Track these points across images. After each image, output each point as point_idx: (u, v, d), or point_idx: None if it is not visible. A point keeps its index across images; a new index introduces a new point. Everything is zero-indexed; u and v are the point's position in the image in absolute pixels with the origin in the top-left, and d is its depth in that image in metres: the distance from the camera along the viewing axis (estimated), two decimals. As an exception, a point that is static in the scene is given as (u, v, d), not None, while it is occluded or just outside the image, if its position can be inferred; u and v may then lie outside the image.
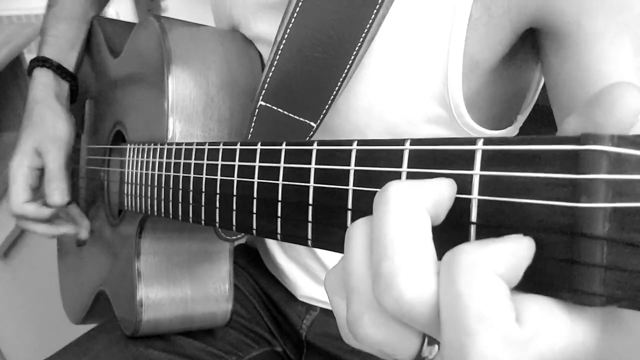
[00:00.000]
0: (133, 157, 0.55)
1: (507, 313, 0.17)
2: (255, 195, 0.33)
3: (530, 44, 0.47)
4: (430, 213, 0.20)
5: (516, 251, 0.18)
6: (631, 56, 0.40)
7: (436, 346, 0.21)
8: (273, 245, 0.69)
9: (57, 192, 0.63)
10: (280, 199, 0.31)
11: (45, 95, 0.67)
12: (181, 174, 0.44)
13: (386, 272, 0.19)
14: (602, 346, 0.18)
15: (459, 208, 0.21)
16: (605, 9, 0.39)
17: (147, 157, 0.51)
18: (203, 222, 0.40)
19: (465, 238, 0.21)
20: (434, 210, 0.20)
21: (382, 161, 0.25)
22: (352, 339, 0.22)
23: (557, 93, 0.44)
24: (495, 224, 0.20)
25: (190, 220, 0.42)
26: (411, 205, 0.19)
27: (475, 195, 0.21)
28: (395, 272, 0.19)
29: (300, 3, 0.46)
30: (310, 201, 0.29)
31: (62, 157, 0.65)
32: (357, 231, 0.21)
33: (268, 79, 0.48)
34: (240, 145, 0.36)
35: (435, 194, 0.20)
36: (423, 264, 0.19)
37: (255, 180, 0.33)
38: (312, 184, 0.29)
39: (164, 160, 0.47)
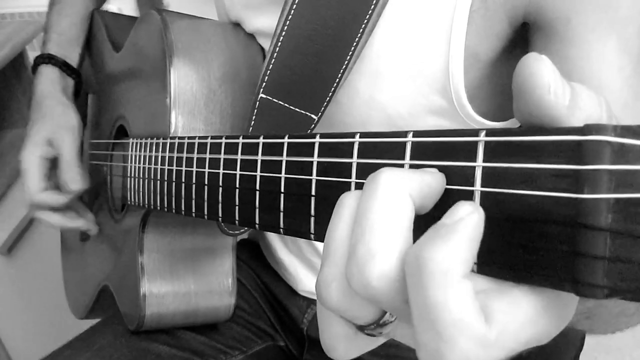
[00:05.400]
0: (136, 151, 0.55)
1: (478, 317, 0.18)
2: (258, 189, 0.33)
3: (526, 39, 0.47)
4: (417, 204, 0.21)
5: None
6: (615, 57, 0.40)
7: None
8: (274, 240, 0.69)
9: (76, 179, 0.63)
10: (282, 192, 0.31)
11: (52, 90, 0.68)
12: (184, 168, 0.44)
13: (360, 255, 0.20)
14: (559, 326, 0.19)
15: (462, 200, 0.21)
16: (594, 8, 0.40)
17: (149, 152, 0.51)
18: (206, 216, 0.40)
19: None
20: (421, 201, 0.21)
21: (384, 153, 0.25)
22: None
23: None
24: (498, 216, 0.20)
25: (193, 214, 0.42)
26: (398, 195, 0.20)
27: (478, 187, 0.20)
28: (367, 259, 0.20)
29: None
30: (313, 194, 0.28)
31: (77, 145, 0.65)
32: (348, 201, 0.22)
33: (268, 72, 0.47)
34: (243, 138, 0.36)
35: (424, 186, 0.21)
36: (395, 255, 0.20)
37: (258, 173, 0.33)
38: (314, 177, 0.29)
39: (167, 154, 0.47)
